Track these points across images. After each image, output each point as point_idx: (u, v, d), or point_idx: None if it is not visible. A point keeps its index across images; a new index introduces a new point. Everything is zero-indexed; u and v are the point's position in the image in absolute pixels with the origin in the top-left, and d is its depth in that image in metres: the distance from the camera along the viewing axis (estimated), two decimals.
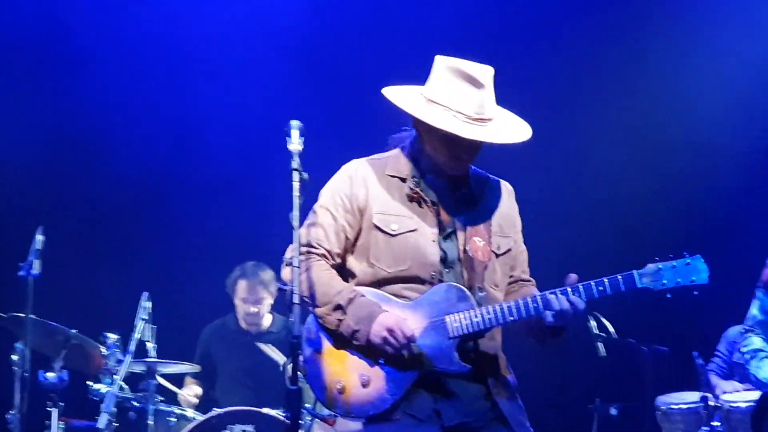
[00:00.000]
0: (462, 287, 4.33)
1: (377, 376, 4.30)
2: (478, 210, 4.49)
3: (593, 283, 4.26)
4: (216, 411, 7.13)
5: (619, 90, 9.39)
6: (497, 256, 4.46)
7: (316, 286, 4.34)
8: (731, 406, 7.29)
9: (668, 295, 4.25)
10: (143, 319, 6.91)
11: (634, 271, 4.26)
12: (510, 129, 4.44)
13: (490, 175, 4.65)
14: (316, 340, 4.42)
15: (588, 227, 9.29)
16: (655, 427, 7.93)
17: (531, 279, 4.65)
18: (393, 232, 4.37)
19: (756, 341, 5.74)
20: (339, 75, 9.37)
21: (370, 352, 4.29)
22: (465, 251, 4.38)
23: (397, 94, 4.46)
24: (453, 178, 4.48)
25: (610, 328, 7.11)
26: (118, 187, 9.20)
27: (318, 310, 4.36)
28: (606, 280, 4.25)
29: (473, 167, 4.58)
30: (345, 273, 4.47)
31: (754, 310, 5.81)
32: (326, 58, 9.42)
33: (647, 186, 9.36)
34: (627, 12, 9.38)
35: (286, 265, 4.41)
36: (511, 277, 4.57)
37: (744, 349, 5.78)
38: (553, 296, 4.25)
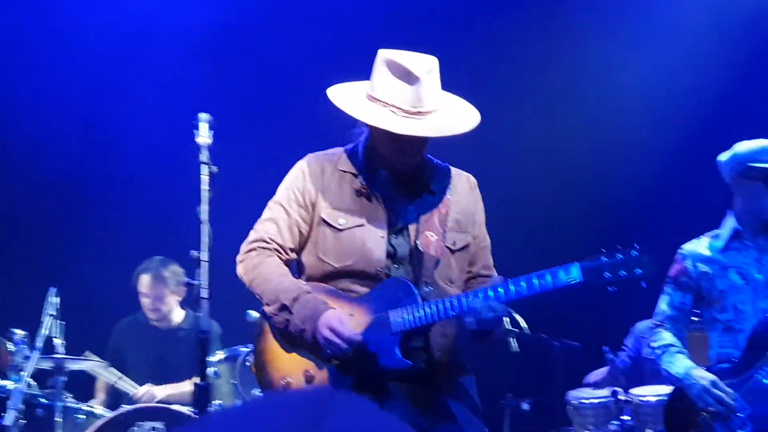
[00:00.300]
0: (409, 282, 4.29)
1: (321, 373, 4.31)
2: (433, 204, 4.45)
3: (534, 276, 4.17)
4: (125, 408, 7.06)
5: (541, 85, 9.42)
6: (452, 251, 4.44)
7: (266, 283, 4.34)
8: (641, 401, 7.37)
9: (611, 288, 4.17)
10: (51, 315, 6.82)
11: (577, 263, 4.17)
12: (454, 119, 4.39)
13: (453, 168, 4.61)
14: (266, 336, 4.41)
15: (509, 222, 9.31)
16: (566, 421, 7.99)
17: (492, 275, 4.56)
18: (340, 227, 4.36)
19: (666, 336, 5.76)
20: (251, 68, 9.30)
21: (317, 349, 4.28)
22: (416, 246, 4.36)
23: (339, 92, 4.43)
24: (407, 173, 4.46)
25: (523, 324, 7.12)
26: (24, 181, 9.08)
27: (267, 309, 4.36)
28: (548, 273, 4.16)
29: (436, 160, 4.56)
30: (300, 268, 4.46)
31: (663, 306, 5.83)
32: (237, 50, 9.34)
33: (562, 181, 9.40)
34: (550, 9, 9.43)
35: (239, 262, 4.40)
36: (469, 272, 4.54)
37: (654, 344, 5.80)
38: (484, 293, 4.19)
